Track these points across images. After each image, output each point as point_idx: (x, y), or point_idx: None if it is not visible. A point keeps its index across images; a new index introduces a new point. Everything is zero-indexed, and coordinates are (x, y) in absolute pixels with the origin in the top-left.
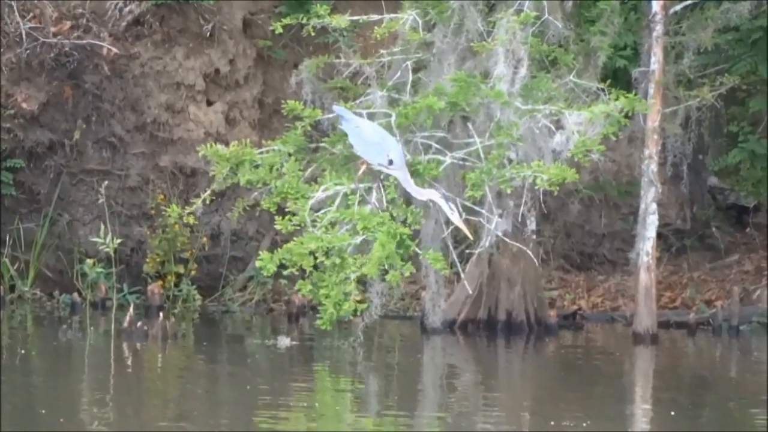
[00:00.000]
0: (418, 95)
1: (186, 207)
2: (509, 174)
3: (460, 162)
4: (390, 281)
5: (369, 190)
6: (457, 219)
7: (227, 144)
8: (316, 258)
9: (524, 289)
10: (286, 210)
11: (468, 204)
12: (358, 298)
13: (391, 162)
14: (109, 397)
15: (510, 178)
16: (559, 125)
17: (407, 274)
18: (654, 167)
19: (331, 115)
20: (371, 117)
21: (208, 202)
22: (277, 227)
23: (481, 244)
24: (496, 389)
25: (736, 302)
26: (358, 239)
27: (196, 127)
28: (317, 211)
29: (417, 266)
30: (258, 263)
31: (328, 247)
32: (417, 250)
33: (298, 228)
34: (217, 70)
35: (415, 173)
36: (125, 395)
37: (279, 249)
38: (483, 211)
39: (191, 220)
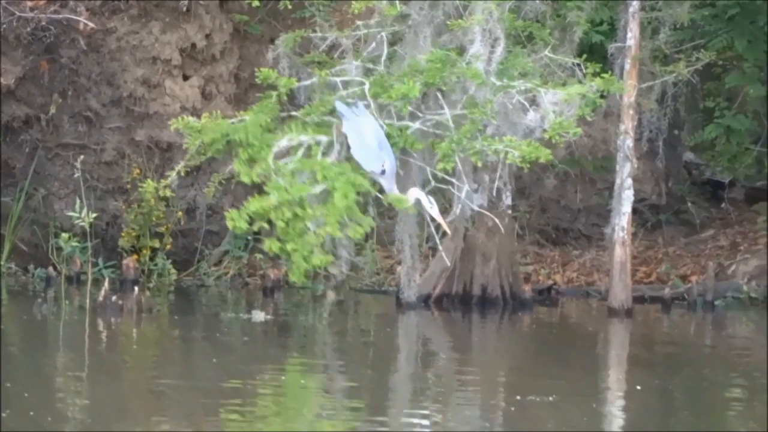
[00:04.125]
0: (393, 68)
1: (162, 180)
2: (479, 146)
3: (433, 131)
4: (353, 237)
5: (331, 143)
6: (436, 213)
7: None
8: (283, 212)
9: (499, 264)
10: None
11: (440, 174)
12: (323, 254)
13: (383, 172)
14: (84, 372)
15: (481, 151)
16: (534, 102)
17: (367, 228)
18: (630, 142)
19: (307, 82)
20: (345, 85)
21: (183, 174)
22: (239, 173)
23: (453, 213)
24: (469, 363)
25: (711, 277)
26: (318, 189)
27: (172, 102)
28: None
29: (391, 241)
30: (228, 223)
31: (291, 200)
32: (379, 195)
33: (262, 180)
34: (193, 45)
35: (394, 145)
36: (100, 369)
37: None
38: (453, 180)
39: (168, 193)
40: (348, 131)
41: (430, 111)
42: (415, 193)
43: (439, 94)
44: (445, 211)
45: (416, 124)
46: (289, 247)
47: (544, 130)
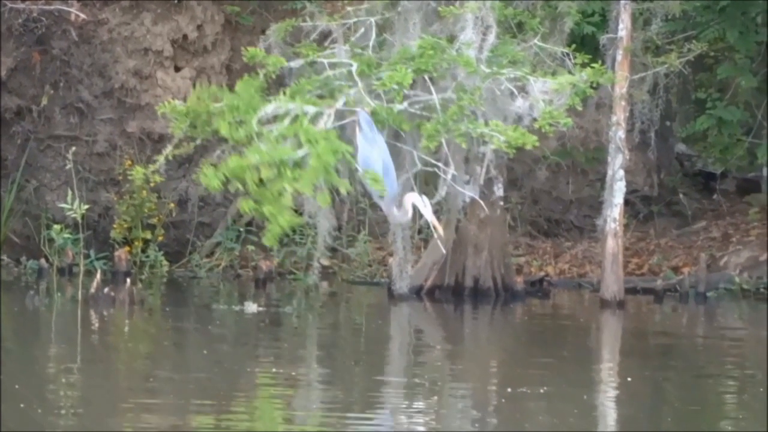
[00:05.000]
0: (383, 55)
1: (150, 165)
2: (465, 128)
3: (420, 113)
4: (322, 205)
5: (320, 114)
6: (430, 216)
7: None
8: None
9: (491, 256)
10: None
11: (428, 158)
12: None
13: (381, 196)
14: (76, 363)
15: (466, 133)
16: (523, 90)
17: (343, 191)
18: (621, 134)
19: (294, 64)
20: (333, 67)
21: (171, 158)
22: (219, 128)
23: (438, 195)
24: (461, 355)
25: (703, 269)
26: (300, 153)
27: (164, 93)
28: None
29: (384, 232)
30: (202, 179)
31: (270, 162)
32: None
33: (244, 142)
34: (185, 36)
35: (380, 122)
36: (92, 361)
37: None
38: (440, 164)
39: (156, 178)
40: (360, 143)
41: (419, 95)
42: (410, 200)
43: (428, 81)
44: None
45: (404, 105)
46: (265, 209)
47: (534, 119)
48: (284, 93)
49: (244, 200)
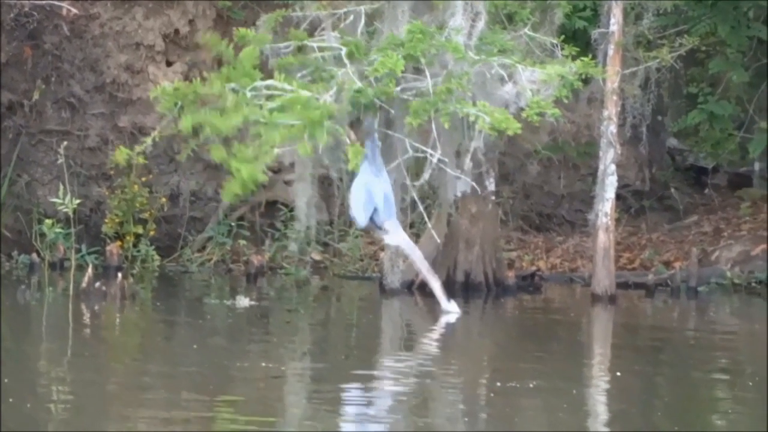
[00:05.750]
0: (372, 43)
1: (136, 147)
2: (452, 107)
3: (412, 99)
4: (302, 154)
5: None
6: (417, 256)
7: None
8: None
9: (483, 250)
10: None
11: (416, 144)
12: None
13: (379, 227)
14: (67, 357)
15: (452, 112)
16: (512, 78)
17: (322, 144)
18: (613, 128)
19: (285, 47)
20: (321, 50)
21: (158, 139)
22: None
23: (423, 177)
24: (452, 349)
25: (695, 263)
26: (287, 119)
27: (156, 88)
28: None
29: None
30: (183, 124)
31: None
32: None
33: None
34: (176, 31)
35: (370, 109)
36: (83, 355)
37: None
38: (428, 149)
39: (140, 160)
40: (365, 169)
41: (410, 83)
42: (396, 240)
43: (425, 70)
44: (427, 197)
45: (397, 89)
46: (232, 162)
47: (521, 109)
48: (278, 74)
49: (216, 147)
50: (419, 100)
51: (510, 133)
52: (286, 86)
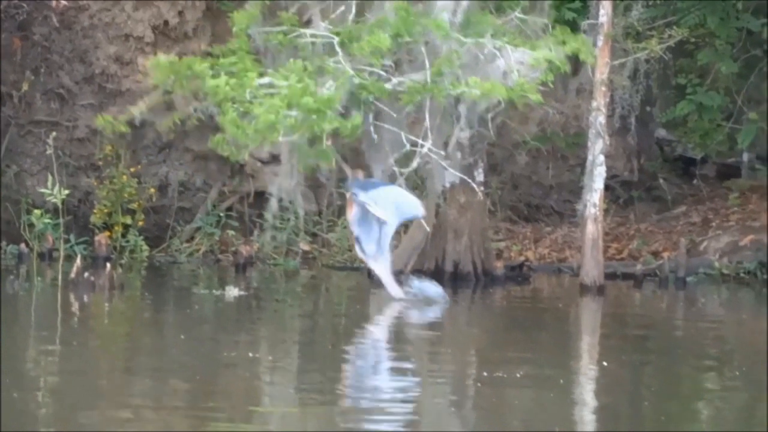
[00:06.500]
0: (360, 25)
1: (120, 116)
2: (446, 87)
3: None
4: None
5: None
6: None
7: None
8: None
9: (471, 240)
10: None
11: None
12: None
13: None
14: (55, 346)
15: (445, 92)
16: (501, 56)
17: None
18: (602, 119)
19: (274, 28)
20: (313, 36)
21: (145, 111)
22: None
23: (411, 165)
24: (440, 339)
25: (683, 254)
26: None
27: (145, 79)
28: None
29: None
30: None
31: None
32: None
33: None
34: (165, 22)
35: (363, 102)
36: (71, 345)
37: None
38: (418, 140)
39: (122, 128)
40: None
41: (404, 75)
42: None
43: (415, 61)
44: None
45: (395, 79)
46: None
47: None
48: (273, 71)
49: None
50: (413, 83)
51: (499, 98)
52: (282, 83)
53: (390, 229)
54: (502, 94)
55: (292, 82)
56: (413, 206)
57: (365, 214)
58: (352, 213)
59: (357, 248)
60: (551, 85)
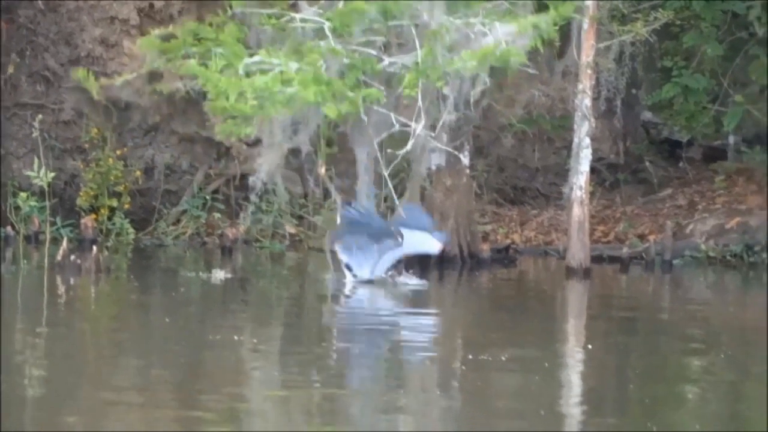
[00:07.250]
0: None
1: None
2: (443, 67)
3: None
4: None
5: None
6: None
7: (161, 77)
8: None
9: (457, 223)
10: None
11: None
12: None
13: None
14: (42, 328)
15: (443, 72)
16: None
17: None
18: (588, 102)
19: (264, 10)
20: (303, 21)
21: (134, 74)
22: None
23: (405, 149)
24: (426, 322)
25: (669, 236)
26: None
27: (130, 61)
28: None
29: (350, 200)
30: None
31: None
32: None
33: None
34: (151, 5)
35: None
36: (57, 328)
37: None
38: (411, 123)
39: (102, 81)
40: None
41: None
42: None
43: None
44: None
45: (386, 61)
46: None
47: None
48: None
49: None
50: (411, 72)
51: (493, 63)
52: (274, 60)
53: (397, 254)
54: (494, 59)
55: (302, 65)
56: (426, 243)
57: (360, 240)
58: (340, 244)
59: (347, 273)
60: (541, 49)
